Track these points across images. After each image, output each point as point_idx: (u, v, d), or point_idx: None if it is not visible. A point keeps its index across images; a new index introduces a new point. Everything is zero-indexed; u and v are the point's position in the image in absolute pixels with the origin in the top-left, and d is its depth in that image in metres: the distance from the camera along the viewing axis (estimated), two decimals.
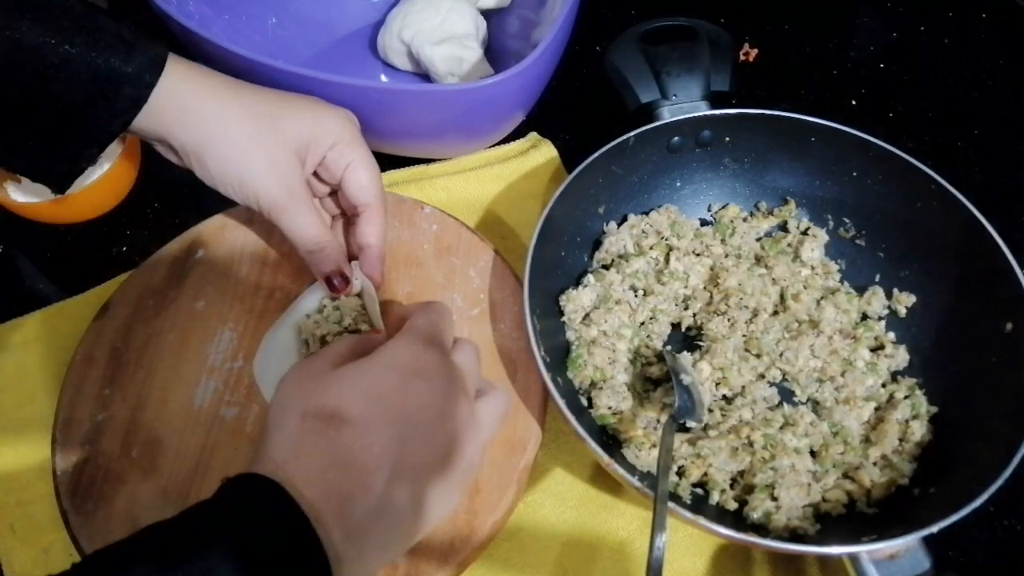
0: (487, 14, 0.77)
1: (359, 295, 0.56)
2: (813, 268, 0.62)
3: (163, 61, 0.48)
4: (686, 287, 0.61)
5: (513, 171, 0.69)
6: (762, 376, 0.57)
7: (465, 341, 0.49)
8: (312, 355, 0.47)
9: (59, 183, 0.51)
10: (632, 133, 0.60)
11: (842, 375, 0.57)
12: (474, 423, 0.45)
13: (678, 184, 0.65)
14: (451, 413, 0.43)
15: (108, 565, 0.34)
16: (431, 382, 0.43)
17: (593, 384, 0.55)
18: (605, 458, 0.47)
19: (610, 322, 0.57)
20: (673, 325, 0.60)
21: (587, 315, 0.58)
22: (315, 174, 0.56)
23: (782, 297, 0.61)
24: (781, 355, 0.57)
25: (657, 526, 0.43)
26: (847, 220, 0.63)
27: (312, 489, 0.38)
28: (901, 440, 0.54)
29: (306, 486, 0.38)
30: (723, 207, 0.65)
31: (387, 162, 0.69)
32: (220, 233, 0.61)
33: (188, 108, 0.49)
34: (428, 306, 0.50)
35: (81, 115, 0.47)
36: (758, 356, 0.58)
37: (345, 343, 0.48)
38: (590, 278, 0.59)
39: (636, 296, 0.60)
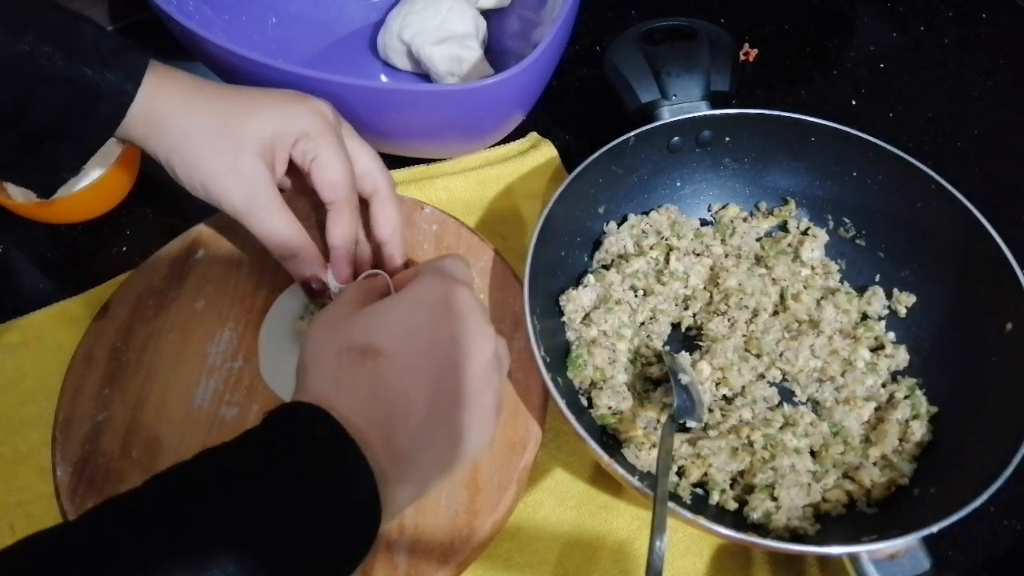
0: (487, 14, 0.77)
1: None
2: (813, 268, 0.62)
3: (142, 73, 0.48)
4: (686, 287, 0.61)
5: (513, 171, 0.69)
6: (762, 376, 0.57)
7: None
8: (330, 304, 0.48)
9: (44, 190, 0.51)
10: (632, 133, 0.60)
11: (842, 375, 0.57)
12: (499, 357, 0.46)
13: (678, 184, 0.65)
14: (481, 346, 0.44)
15: (170, 489, 0.35)
16: (459, 316, 0.44)
17: (593, 384, 0.55)
18: (605, 458, 0.47)
19: (610, 322, 0.57)
20: (673, 325, 0.60)
21: (587, 315, 0.58)
22: (296, 171, 0.55)
23: (782, 297, 0.61)
24: (781, 355, 0.57)
25: (657, 527, 0.43)
26: (847, 220, 0.63)
27: (356, 417, 0.39)
28: (901, 440, 0.54)
29: (351, 414, 0.39)
30: (723, 207, 0.65)
31: (387, 162, 0.69)
32: (220, 233, 0.61)
33: (157, 117, 0.49)
34: (444, 255, 0.50)
35: (60, 129, 0.47)
36: (758, 356, 0.58)
37: (353, 289, 0.48)
38: (590, 278, 0.59)
39: (636, 296, 0.60)
